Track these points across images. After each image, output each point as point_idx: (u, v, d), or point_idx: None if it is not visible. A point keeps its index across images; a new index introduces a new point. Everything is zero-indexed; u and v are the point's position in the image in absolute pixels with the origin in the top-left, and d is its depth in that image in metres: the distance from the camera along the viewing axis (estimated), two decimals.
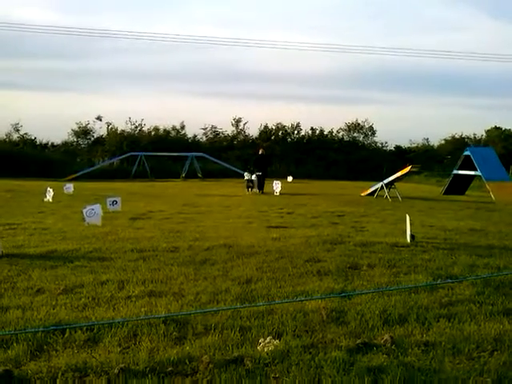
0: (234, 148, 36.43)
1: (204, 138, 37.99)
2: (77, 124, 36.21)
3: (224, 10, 62.96)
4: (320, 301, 4.31)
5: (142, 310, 4.13)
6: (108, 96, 53.56)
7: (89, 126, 36.28)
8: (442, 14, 61.21)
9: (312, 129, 38.34)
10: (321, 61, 55.02)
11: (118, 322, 3.69)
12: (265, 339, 3.39)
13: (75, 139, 36.79)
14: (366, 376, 3.00)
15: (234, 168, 30.95)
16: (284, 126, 37.85)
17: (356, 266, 5.79)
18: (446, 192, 19.25)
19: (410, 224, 7.51)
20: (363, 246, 7.06)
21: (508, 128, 40.14)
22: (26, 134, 34.96)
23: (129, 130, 36.28)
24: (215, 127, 37.96)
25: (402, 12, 62.82)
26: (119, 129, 36.23)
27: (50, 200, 13.17)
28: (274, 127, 37.92)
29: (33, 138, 35.29)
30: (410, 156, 36.19)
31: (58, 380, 2.93)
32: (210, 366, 3.09)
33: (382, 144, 39.63)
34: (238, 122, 37.87)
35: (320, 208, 12.50)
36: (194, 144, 36.18)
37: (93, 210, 8.70)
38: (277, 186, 17.70)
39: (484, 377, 3.03)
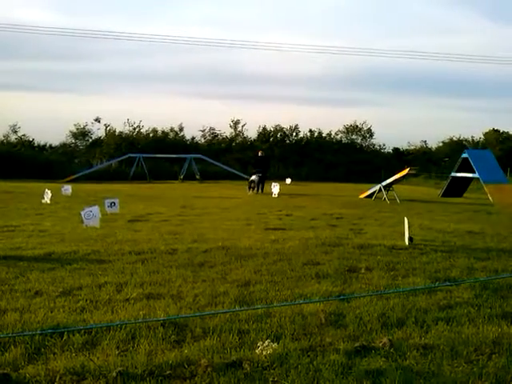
0: (232, 150, 36.44)
1: (202, 140, 38.01)
2: (75, 125, 36.21)
3: (223, 12, 63.08)
4: (318, 304, 4.31)
5: (141, 312, 4.12)
6: (106, 97, 53.56)
7: (87, 127, 36.27)
8: (440, 17, 61.43)
9: (310, 131, 38.42)
10: (319, 63, 55.19)
11: (116, 325, 3.69)
12: (263, 342, 3.39)
13: (73, 141, 36.76)
14: (364, 379, 3.00)
15: (232, 170, 30.95)
16: (282, 128, 37.88)
17: (354, 269, 5.79)
18: (444, 194, 19.27)
19: (409, 226, 7.52)
20: (361, 248, 7.07)
21: (506, 130, 40.28)
22: (24, 135, 34.94)
23: (127, 132, 36.28)
24: (214, 129, 38.00)
25: (400, 15, 62.99)
26: (117, 130, 36.23)
27: (48, 202, 13.16)
28: (272, 129, 37.96)
29: (31, 139, 35.25)
30: (408, 158, 36.24)
31: (55, 383, 2.92)
32: (209, 369, 3.08)
33: (380, 146, 39.74)
34: (236, 123, 37.90)
35: (318, 210, 12.50)
36: (192, 146, 36.18)
37: (91, 211, 8.69)
38: (275, 187, 17.70)
39: (482, 380, 3.03)
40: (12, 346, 3.37)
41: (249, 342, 3.50)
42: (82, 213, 8.67)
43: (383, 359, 3.26)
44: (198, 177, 29.59)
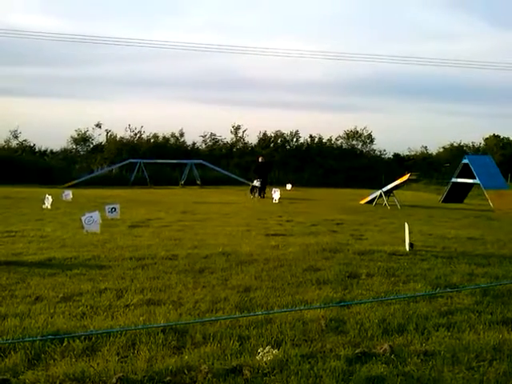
0: (233, 155, 36.47)
1: (203, 146, 38.02)
2: (76, 131, 36.27)
3: (223, 18, 63.33)
4: (319, 310, 4.30)
5: (141, 318, 4.12)
6: (107, 103, 53.68)
7: (88, 133, 36.32)
8: (440, 22, 61.65)
9: (311, 136, 38.42)
10: (320, 68, 55.32)
11: (117, 331, 3.68)
12: (264, 348, 3.38)
13: (74, 146, 36.82)
14: None
15: (233, 175, 30.97)
16: (283, 134, 37.91)
17: (355, 275, 5.79)
18: (445, 200, 19.26)
19: (409, 232, 7.52)
20: (362, 254, 7.06)
21: (506, 136, 40.35)
22: (25, 140, 35.00)
23: (128, 137, 36.32)
24: (214, 134, 38.02)
25: (400, 20, 63.19)
26: (118, 136, 36.27)
27: (49, 207, 13.16)
28: (272, 135, 38.00)
29: (32, 144, 35.33)
30: (409, 164, 36.26)
31: None
32: (209, 375, 3.08)
33: (380, 152, 39.72)
34: (237, 129, 37.93)
35: (319, 216, 12.50)
36: (193, 151, 36.22)
37: (91, 217, 8.69)
38: (276, 193, 17.71)
39: None
40: (12, 352, 3.37)
41: (249, 348, 3.50)
42: (83, 218, 8.68)
43: (384, 365, 3.26)
44: (198, 182, 29.60)
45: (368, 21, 63.42)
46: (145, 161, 30.64)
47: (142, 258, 6.54)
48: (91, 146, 36.62)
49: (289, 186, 25.50)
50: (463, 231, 10.07)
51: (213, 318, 4.07)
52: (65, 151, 36.32)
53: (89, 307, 4.41)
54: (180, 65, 56.22)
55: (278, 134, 37.89)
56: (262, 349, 3.39)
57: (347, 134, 39.20)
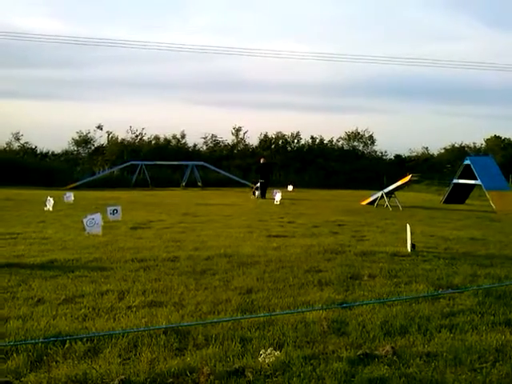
0: (234, 157, 36.51)
1: (204, 147, 38.12)
2: (77, 133, 36.41)
3: (224, 20, 63.40)
4: (321, 311, 4.29)
5: (143, 320, 4.11)
6: (109, 105, 53.82)
7: (89, 134, 36.49)
8: (441, 24, 61.63)
9: (312, 138, 38.50)
10: (320, 70, 55.33)
11: (119, 333, 3.68)
12: (266, 350, 3.38)
13: (76, 148, 36.93)
14: None
15: (234, 177, 30.98)
16: (284, 135, 37.99)
17: (357, 276, 5.78)
18: (446, 201, 19.25)
19: (411, 233, 7.51)
20: (364, 255, 7.05)
21: (508, 137, 40.36)
22: (26, 142, 35.14)
23: (129, 139, 36.43)
24: (215, 136, 38.13)
25: (401, 22, 63.21)
26: (120, 138, 36.42)
27: (51, 209, 13.17)
28: (274, 136, 38.04)
29: (33, 146, 35.44)
30: (410, 165, 36.24)
31: None
32: (211, 377, 3.07)
33: (381, 153, 39.79)
34: (238, 130, 38.01)
35: (320, 217, 12.49)
36: (194, 153, 36.29)
37: (93, 219, 8.70)
38: (277, 194, 17.71)
39: None
40: (14, 354, 3.37)
41: (251, 350, 3.49)
42: (84, 220, 8.69)
43: (386, 367, 3.25)
44: (199, 184, 29.63)
45: (369, 22, 63.50)
46: (146, 163, 30.69)
47: (144, 260, 6.54)
48: (92, 147, 36.73)
49: (290, 188, 25.51)
50: (465, 232, 10.06)
51: (215, 320, 4.07)
52: (66, 153, 36.42)
53: (91, 309, 4.41)
54: (181, 67, 56.33)
55: (279, 136, 37.96)
56: (264, 350, 3.39)
57: (348, 136, 39.25)
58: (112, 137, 36.40)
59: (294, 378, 3.08)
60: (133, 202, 16.64)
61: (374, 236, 9.19)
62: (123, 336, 3.66)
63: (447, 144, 40.31)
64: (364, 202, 17.78)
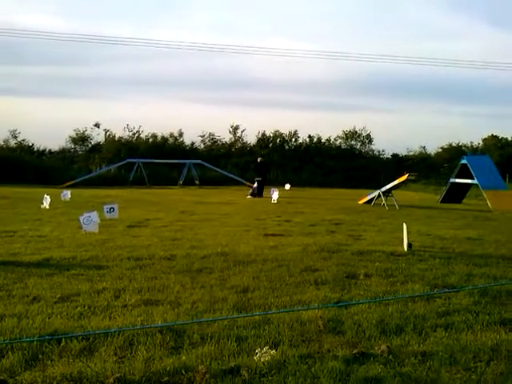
0: (231, 155, 36.48)
1: (202, 146, 38.09)
2: (74, 131, 36.31)
3: (223, 18, 63.31)
4: (317, 310, 4.30)
5: (139, 319, 4.11)
6: (106, 103, 53.64)
7: (86, 132, 36.38)
8: (439, 23, 61.68)
9: (309, 136, 38.49)
10: (318, 68, 55.30)
11: (114, 332, 3.68)
12: (261, 349, 3.38)
13: (73, 146, 36.84)
14: None
15: (231, 175, 30.97)
16: (282, 134, 37.96)
17: (353, 275, 5.79)
18: (443, 200, 19.29)
19: (407, 233, 7.52)
20: (360, 254, 7.06)
21: (505, 136, 40.45)
22: (23, 140, 35.02)
23: (126, 137, 36.34)
24: (213, 134, 38.08)
25: (399, 20, 63.22)
26: (117, 136, 36.32)
27: (47, 207, 13.14)
28: (271, 135, 38.03)
29: (30, 144, 35.32)
30: (408, 164, 36.30)
31: None
32: (207, 376, 3.07)
33: (379, 152, 39.81)
34: (235, 129, 37.98)
35: (317, 216, 12.50)
36: (191, 151, 36.24)
37: (90, 217, 8.69)
38: (274, 193, 17.71)
39: None
40: (9, 353, 3.36)
41: (247, 349, 3.49)
42: (81, 218, 8.67)
43: (381, 366, 3.26)
44: (197, 182, 29.60)
45: (367, 21, 63.48)
46: (143, 160, 30.64)
47: (140, 258, 6.54)
48: (90, 145, 36.65)
49: (287, 186, 25.52)
50: (461, 231, 10.08)
51: (210, 319, 4.07)
52: (63, 151, 36.34)
53: (86, 307, 4.40)
54: (179, 65, 56.26)
55: (277, 134, 37.94)
56: (259, 349, 3.39)
57: (346, 134, 39.26)
58: (109, 135, 36.33)
59: (290, 377, 3.09)
60: (130, 200, 16.62)
61: (370, 235, 9.20)
62: (119, 334, 3.66)
63: (444, 143, 40.42)
64: (361, 201, 17.80)
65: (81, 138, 36.45)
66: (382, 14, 62.94)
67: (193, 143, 37.81)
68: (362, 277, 5.72)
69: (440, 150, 40.31)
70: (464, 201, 19.56)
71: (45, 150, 36.09)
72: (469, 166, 18.01)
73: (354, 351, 3.46)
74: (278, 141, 37.89)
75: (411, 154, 40.00)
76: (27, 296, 4.71)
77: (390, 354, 3.43)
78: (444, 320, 4.21)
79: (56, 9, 60.50)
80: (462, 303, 4.70)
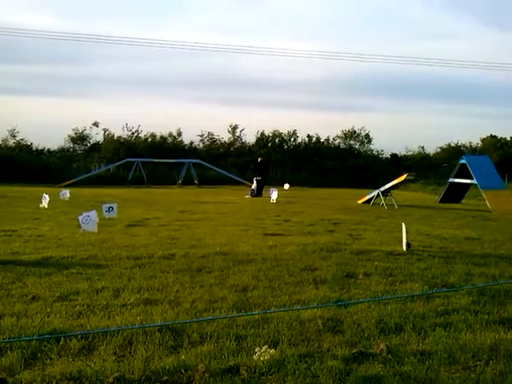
0: (230, 155, 36.47)
1: (201, 145, 38.06)
2: (73, 130, 36.27)
3: (221, 17, 63.26)
4: (316, 310, 4.30)
5: (138, 318, 4.11)
6: (105, 102, 53.61)
7: (85, 132, 36.34)
8: (438, 23, 61.71)
9: (308, 136, 38.47)
10: (317, 68, 55.30)
11: (114, 331, 3.67)
12: (261, 348, 3.38)
13: (72, 145, 36.80)
14: None
15: (230, 175, 30.96)
16: (281, 133, 37.96)
17: (352, 275, 5.79)
18: (442, 200, 19.30)
19: (406, 232, 7.53)
20: (359, 254, 7.07)
21: (503, 136, 40.46)
22: (22, 139, 34.95)
23: (125, 137, 36.32)
24: (212, 134, 38.08)
25: (398, 20, 63.21)
26: (116, 135, 36.29)
27: (46, 206, 13.13)
28: (270, 134, 38.02)
29: (29, 143, 35.27)
30: (406, 164, 36.31)
31: None
32: (206, 375, 3.07)
33: (378, 152, 39.80)
34: (234, 128, 37.97)
35: (316, 215, 12.51)
36: (190, 150, 36.22)
37: (88, 216, 8.68)
38: (273, 193, 17.71)
39: None
40: (8, 351, 3.36)
41: (246, 348, 3.50)
42: (80, 217, 8.67)
43: (381, 365, 3.26)
44: (196, 182, 29.59)
45: (366, 21, 63.44)
46: (142, 160, 30.62)
47: (139, 258, 6.54)
48: (88, 145, 36.62)
49: (286, 186, 25.52)
50: (460, 231, 10.09)
51: (210, 318, 4.07)
52: (62, 150, 36.29)
53: (85, 306, 4.40)
54: (178, 64, 56.21)
55: (276, 134, 37.94)
56: (259, 348, 3.39)
57: (345, 134, 39.28)
58: (108, 134, 36.30)
59: (289, 376, 3.09)
60: (129, 200, 16.62)
61: (369, 235, 9.20)
62: (118, 333, 3.66)
63: (443, 143, 40.45)
64: (360, 201, 17.81)
65: (80, 138, 36.41)
66: (380, 14, 62.92)
67: (192, 143, 37.83)
68: (361, 276, 5.72)
69: (439, 149, 40.37)
70: (463, 201, 19.57)
71: (44, 150, 36.02)
72: (468, 165, 18.02)
73: (354, 350, 3.46)
74: (276, 140, 37.88)
75: (410, 153, 40.02)
76: (26, 295, 4.71)
77: (389, 354, 3.43)
78: (443, 319, 4.21)
79: (55, 8, 60.46)
80: (461, 302, 4.70)
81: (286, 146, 37.87)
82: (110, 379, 2.99)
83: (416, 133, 56.93)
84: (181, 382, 3.03)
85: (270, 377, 3.09)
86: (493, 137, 40.62)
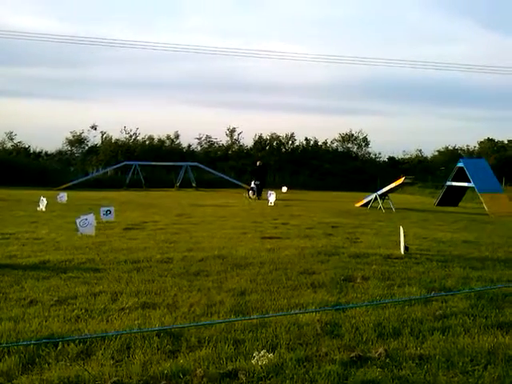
0: (228, 158, 36.49)
1: (199, 148, 38.09)
2: (71, 133, 36.28)
3: (219, 21, 63.34)
4: (314, 314, 4.30)
5: (136, 322, 4.10)
6: (103, 105, 53.63)
7: (83, 134, 36.37)
8: (436, 27, 61.92)
9: (306, 139, 38.56)
10: (315, 71, 55.39)
11: (112, 335, 3.67)
12: (259, 352, 3.37)
13: (69, 148, 36.79)
14: None
15: (228, 178, 30.96)
16: (278, 137, 38.01)
17: (350, 278, 5.79)
18: (440, 203, 19.32)
19: (404, 236, 7.53)
20: (357, 257, 7.07)
21: (500, 139, 40.60)
22: (20, 142, 34.96)
23: (123, 139, 36.31)
24: (210, 137, 38.12)
25: (397, 24, 63.44)
26: (114, 138, 36.30)
27: (44, 209, 13.10)
28: (268, 137, 38.07)
29: (27, 146, 35.26)
30: (404, 167, 36.38)
31: None
32: (204, 379, 3.07)
33: (375, 155, 39.91)
34: (232, 131, 38.00)
35: (314, 219, 12.51)
36: (188, 154, 36.24)
37: (86, 219, 8.66)
38: (271, 196, 17.71)
39: None
40: (6, 356, 3.35)
41: (244, 352, 3.49)
42: (78, 221, 8.65)
43: (379, 369, 3.26)
44: (194, 185, 29.58)
45: (364, 24, 63.67)
46: (140, 163, 30.60)
47: (137, 261, 6.53)
48: (86, 147, 36.62)
49: (284, 189, 25.54)
50: (458, 234, 10.10)
51: (208, 322, 4.07)
52: (60, 153, 36.28)
53: (83, 310, 4.39)
54: (175, 67, 56.25)
55: (274, 137, 37.99)
56: (257, 353, 3.38)
57: (342, 137, 39.36)
58: (106, 137, 36.32)
59: (287, 381, 3.08)
60: (126, 203, 16.60)
61: (367, 238, 9.21)
62: (116, 338, 3.65)
63: (441, 146, 40.59)
64: (358, 204, 17.83)
65: (77, 141, 36.41)
66: (379, 18, 63.14)
67: (190, 146, 37.87)
68: (359, 280, 5.72)
69: (436, 153, 40.48)
70: (460, 204, 19.60)
71: (41, 152, 36.03)
72: (465, 169, 18.05)
73: (352, 354, 3.46)
74: (274, 143, 37.93)
75: (407, 156, 40.13)
76: (24, 299, 4.69)
77: (388, 358, 3.44)
78: (441, 323, 4.22)
79: (53, 11, 60.48)
80: (459, 306, 4.71)
81: (283, 149, 37.93)
82: None
83: (413, 136, 57.09)
84: None
85: (268, 381, 3.09)
86: (490, 140, 40.75)
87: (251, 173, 22.01)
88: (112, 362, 3.31)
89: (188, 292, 5.08)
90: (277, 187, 24.47)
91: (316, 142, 38.74)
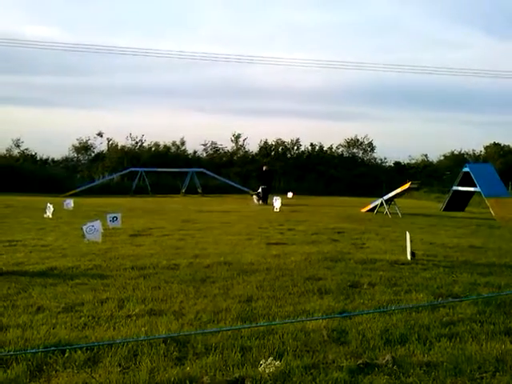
0: (233, 164, 36.53)
1: (204, 154, 38.13)
2: (77, 140, 36.44)
3: (224, 28, 63.56)
4: (321, 320, 4.29)
5: (143, 329, 4.11)
6: (109, 112, 53.79)
7: (89, 141, 36.51)
8: (441, 31, 61.85)
9: (312, 145, 38.53)
10: (320, 77, 55.39)
11: (119, 342, 3.67)
12: (266, 360, 3.37)
13: (76, 155, 36.95)
14: None
15: (233, 184, 30.99)
16: (284, 142, 38.01)
17: (357, 285, 5.78)
18: (446, 208, 19.24)
19: (410, 241, 7.51)
20: (364, 263, 7.05)
21: (507, 144, 40.38)
22: (26, 149, 35.12)
23: (129, 146, 36.44)
24: (215, 143, 38.15)
25: (400, 29, 63.40)
26: (120, 144, 36.42)
27: (50, 216, 13.16)
28: (273, 143, 38.09)
29: (33, 153, 35.43)
30: (410, 172, 36.27)
31: None
32: None
33: (381, 160, 39.79)
34: (237, 137, 38.03)
35: (320, 224, 12.49)
36: (194, 160, 36.30)
37: (93, 226, 8.69)
38: (277, 201, 17.70)
39: None
40: (14, 363, 3.36)
41: (251, 360, 3.49)
42: (84, 227, 8.68)
43: (386, 377, 3.25)
44: (199, 191, 29.62)
45: (368, 29, 63.68)
46: (146, 169, 30.70)
47: (144, 268, 6.54)
48: (92, 154, 36.76)
49: (290, 195, 25.50)
50: (465, 240, 10.05)
51: (214, 329, 4.07)
52: (66, 160, 36.44)
53: (90, 317, 4.41)
54: (181, 74, 56.37)
55: (279, 143, 37.99)
56: (264, 360, 3.38)
57: (348, 143, 39.29)
58: (112, 144, 36.44)
59: None
60: (133, 209, 16.63)
61: (373, 243, 9.18)
62: (123, 345, 3.66)
63: (446, 151, 40.39)
64: (364, 210, 17.78)
65: (84, 147, 36.56)
66: (382, 23, 63.15)
67: (195, 152, 37.91)
68: (365, 286, 5.71)
69: (442, 157, 40.30)
70: (467, 209, 19.51)
71: (48, 159, 36.20)
72: (471, 173, 17.98)
73: (359, 361, 3.45)
74: (280, 149, 37.93)
75: (413, 161, 39.99)
76: (31, 306, 4.72)
77: (395, 365, 3.42)
78: (448, 330, 4.20)
79: (60, 20, 60.85)
80: (467, 313, 4.68)
81: (289, 155, 37.90)
82: None
83: (419, 141, 56.79)
84: None
85: None
86: (496, 144, 40.55)
87: (257, 177, 22.14)
88: (119, 370, 3.32)
89: (194, 299, 5.08)
90: (282, 193, 24.45)
91: (321, 147, 38.70)
